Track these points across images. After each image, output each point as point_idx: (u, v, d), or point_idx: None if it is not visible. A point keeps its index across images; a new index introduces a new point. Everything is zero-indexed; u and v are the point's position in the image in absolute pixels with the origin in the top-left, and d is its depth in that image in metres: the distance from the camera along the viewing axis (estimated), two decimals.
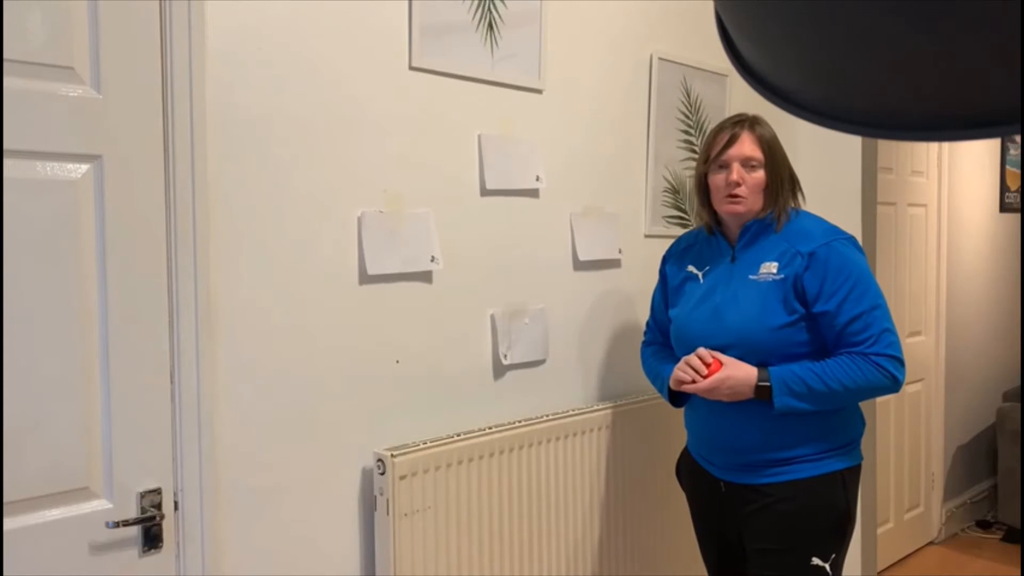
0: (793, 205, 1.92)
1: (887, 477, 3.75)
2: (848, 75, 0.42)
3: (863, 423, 1.93)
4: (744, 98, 2.75)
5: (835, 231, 1.86)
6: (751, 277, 1.86)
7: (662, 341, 2.13)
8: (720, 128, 1.94)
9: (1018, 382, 4.54)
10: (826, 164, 2.98)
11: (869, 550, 3.02)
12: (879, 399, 3.34)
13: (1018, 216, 4.71)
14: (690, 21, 2.59)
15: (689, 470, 2.05)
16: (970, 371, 4.40)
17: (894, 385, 1.79)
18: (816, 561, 1.81)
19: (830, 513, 1.83)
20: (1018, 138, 4.54)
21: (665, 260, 2.12)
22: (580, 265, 2.32)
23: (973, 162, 4.37)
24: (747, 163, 1.88)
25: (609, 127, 2.39)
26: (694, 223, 2.66)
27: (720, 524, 1.98)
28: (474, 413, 2.07)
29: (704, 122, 2.66)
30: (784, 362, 1.80)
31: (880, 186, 3.15)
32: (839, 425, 1.86)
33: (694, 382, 1.82)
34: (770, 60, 0.47)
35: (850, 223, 2.95)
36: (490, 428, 2.03)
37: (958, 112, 0.41)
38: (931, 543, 4.13)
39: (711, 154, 1.91)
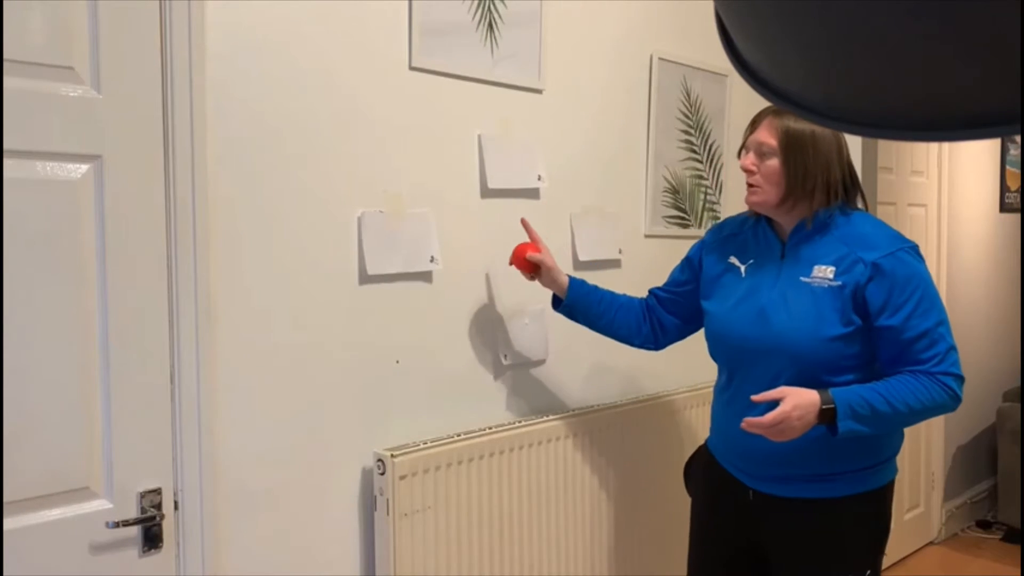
0: (843, 204, 1.76)
1: None
2: (849, 75, 0.42)
3: (902, 437, 1.84)
4: (744, 98, 2.75)
5: (900, 238, 1.72)
6: (803, 279, 1.72)
7: (643, 299, 2.05)
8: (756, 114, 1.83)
9: (1018, 382, 4.54)
10: None
11: None
12: None
13: (1018, 216, 4.71)
14: (690, 21, 2.59)
15: (708, 473, 1.92)
16: (970, 371, 4.36)
17: (955, 405, 1.69)
18: None
19: (869, 531, 1.75)
20: (1018, 138, 4.54)
21: (703, 246, 1.97)
22: (580, 265, 2.32)
23: (973, 162, 4.36)
24: (760, 150, 1.75)
25: (609, 127, 2.39)
26: (694, 223, 2.66)
27: (737, 533, 1.86)
28: (474, 413, 2.07)
29: (704, 122, 2.66)
30: (827, 374, 1.68)
31: (880, 186, 3.14)
32: (883, 439, 1.76)
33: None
34: (770, 60, 0.47)
35: None
36: (490, 428, 2.03)
37: (958, 112, 0.41)
38: (931, 543, 4.13)
39: (744, 140, 1.83)
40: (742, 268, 1.83)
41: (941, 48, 0.38)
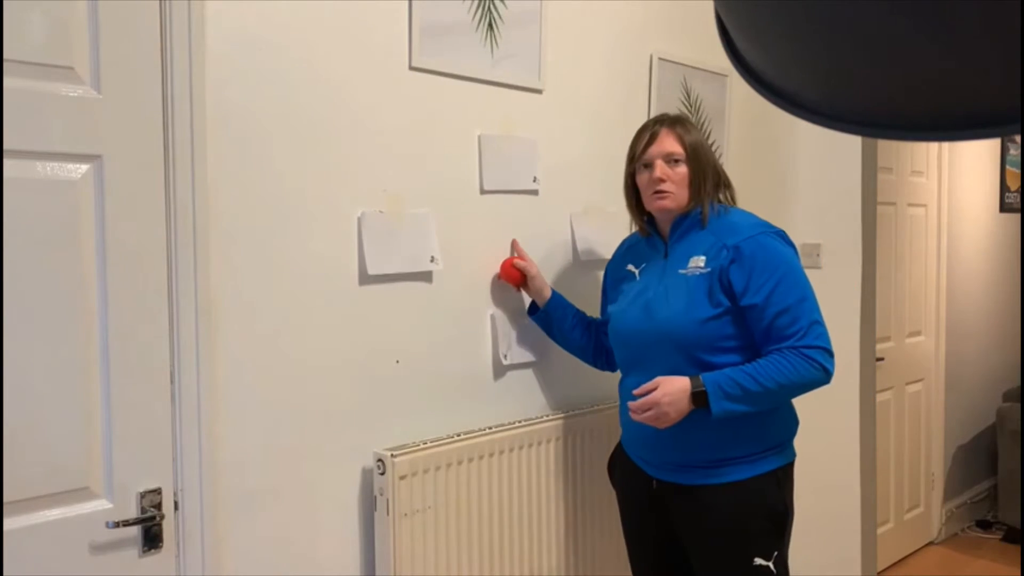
0: (721, 201, 1.95)
1: (887, 477, 3.75)
2: (848, 75, 0.42)
3: (796, 422, 1.95)
4: (744, 98, 2.75)
5: (764, 225, 1.89)
6: (680, 271, 1.88)
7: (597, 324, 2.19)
8: (641, 128, 1.98)
9: (1018, 382, 4.54)
10: (826, 164, 2.98)
11: (869, 550, 3.02)
12: (879, 398, 3.34)
13: (1018, 216, 4.71)
14: (690, 21, 2.59)
15: (622, 467, 2.04)
16: (970, 371, 4.40)
17: (826, 377, 1.79)
18: (759, 561, 1.82)
19: (768, 513, 1.84)
20: (1018, 138, 4.55)
21: (610, 262, 2.15)
22: (580, 264, 2.32)
23: (973, 162, 4.36)
24: (669, 159, 1.91)
25: (609, 127, 2.39)
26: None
27: (652, 524, 1.97)
28: (474, 413, 2.07)
29: (704, 122, 2.66)
30: (708, 354, 1.81)
31: (880, 186, 3.15)
32: (773, 425, 1.87)
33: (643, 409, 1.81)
34: (770, 60, 0.47)
35: (850, 223, 2.95)
36: (490, 428, 2.03)
37: (958, 112, 0.41)
38: (931, 543, 4.13)
39: (635, 154, 1.95)
40: (636, 272, 2.02)
41: (941, 48, 0.38)
